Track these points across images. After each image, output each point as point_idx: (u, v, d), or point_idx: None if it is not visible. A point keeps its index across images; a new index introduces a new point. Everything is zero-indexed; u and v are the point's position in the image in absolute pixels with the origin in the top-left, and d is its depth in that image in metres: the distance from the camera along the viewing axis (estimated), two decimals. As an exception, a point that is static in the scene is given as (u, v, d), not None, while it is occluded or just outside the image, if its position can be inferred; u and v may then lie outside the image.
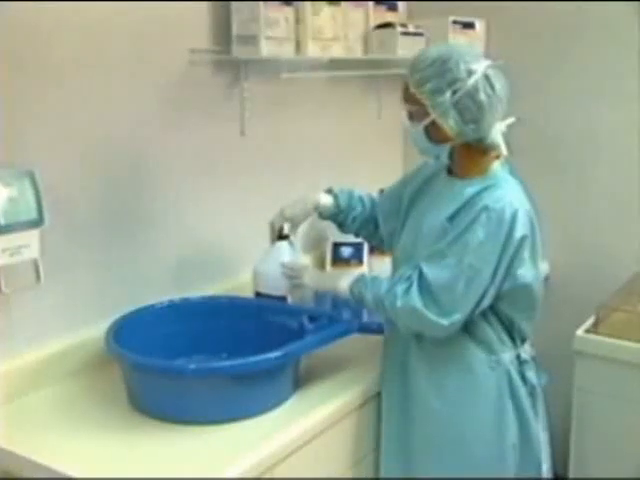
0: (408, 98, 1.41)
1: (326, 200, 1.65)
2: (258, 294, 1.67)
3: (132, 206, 1.72)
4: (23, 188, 1.40)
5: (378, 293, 1.42)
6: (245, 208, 1.98)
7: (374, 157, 2.38)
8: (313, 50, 1.88)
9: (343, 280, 1.49)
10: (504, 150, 1.42)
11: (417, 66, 1.38)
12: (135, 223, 1.72)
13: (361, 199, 1.69)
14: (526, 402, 1.50)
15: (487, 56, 1.45)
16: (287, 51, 1.83)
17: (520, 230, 1.37)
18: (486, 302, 1.40)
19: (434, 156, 1.48)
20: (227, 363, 1.46)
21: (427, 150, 1.45)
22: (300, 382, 1.52)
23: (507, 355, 1.48)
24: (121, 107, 1.64)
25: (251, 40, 1.76)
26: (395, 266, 1.56)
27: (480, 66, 1.38)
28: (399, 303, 1.38)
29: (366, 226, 1.69)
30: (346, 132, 2.28)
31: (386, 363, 1.58)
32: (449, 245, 1.37)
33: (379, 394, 1.59)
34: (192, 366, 1.38)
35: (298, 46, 1.86)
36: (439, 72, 1.36)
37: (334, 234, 2.16)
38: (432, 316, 1.37)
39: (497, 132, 1.41)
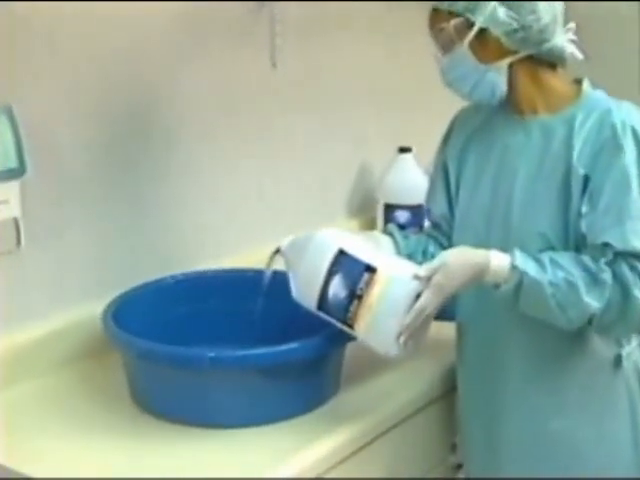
0: (440, 21, 1.41)
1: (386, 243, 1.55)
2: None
3: (136, 155, 1.70)
4: (-1, 127, 1.37)
5: (587, 307, 1.29)
6: (276, 161, 1.97)
7: (436, 99, 2.27)
8: (362, -43, 1.83)
9: (494, 257, 1.32)
10: (579, 54, 1.40)
11: None
12: (140, 177, 1.71)
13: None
14: None
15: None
16: (329, -42, 1.78)
17: None
18: None
19: (488, 97, 1.42)
20: (255, 352, 1.39)
21: (480, 81, 1.40)
22: (346, 377, 1.51)
23: (633, 342, 1.42)
24: (121, 31, 1.61)
25: (284, -57, 1.70)
26: (456, 230, 1.50)
27: None
28: None
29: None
30: (402, 66, 2.24)
31: (467, 359, 1.52)
32: (633, 199, 1.32)
33: (448, 394, 1.57)
34: (211, 355, 1.35)
35: (343, -48, 1.82)
36: None
37: (385, 194, 2.16)
38: None
39: (561, 39, 1.39)
